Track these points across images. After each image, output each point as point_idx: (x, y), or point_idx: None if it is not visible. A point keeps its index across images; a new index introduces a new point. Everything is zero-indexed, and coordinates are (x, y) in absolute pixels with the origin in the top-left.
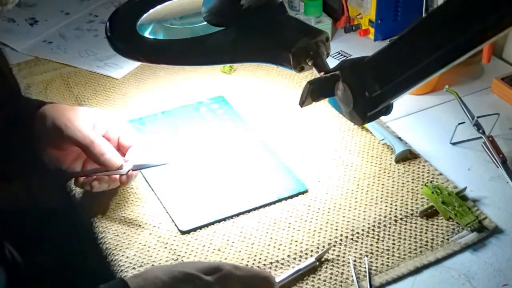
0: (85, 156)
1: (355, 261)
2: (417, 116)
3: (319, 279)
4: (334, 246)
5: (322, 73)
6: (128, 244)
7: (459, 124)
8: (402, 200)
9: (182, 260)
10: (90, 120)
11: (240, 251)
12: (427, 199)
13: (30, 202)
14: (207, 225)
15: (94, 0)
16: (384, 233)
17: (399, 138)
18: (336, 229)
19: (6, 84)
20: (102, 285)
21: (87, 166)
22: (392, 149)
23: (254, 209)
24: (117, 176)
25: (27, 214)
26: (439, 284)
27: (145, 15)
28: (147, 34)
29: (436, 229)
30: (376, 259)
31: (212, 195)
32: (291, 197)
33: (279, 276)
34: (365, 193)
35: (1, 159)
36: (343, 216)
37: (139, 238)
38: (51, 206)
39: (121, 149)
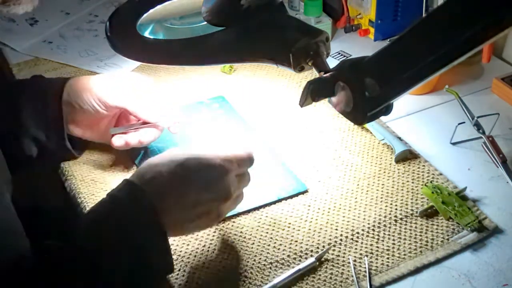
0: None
1: (355, 261)
2: (417, 116)
3: (319, 279)
4: (334, 246)
5: (322, 73)
6: None
7: (459, 124)
8: (402, 200)
9: (182, 260)
10: (129, 85)
11: (240, 251)
12: (427, 199)
13: (30, 202)
14: None
15: (94, 0)
16: (384, 233)
17: (399, 138)
18: (336, 229)
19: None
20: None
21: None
22: (392, 149)
23: (254, 209)
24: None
25: (27, 214)
26: (439, 284)
27: (145, 15)
28: (147, 34)
29: (436, 229)
30: (376, 259)
31: None
32: (291, 197)
33: (279, 276)
34: (365, 193)
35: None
36: (343, 216)
37: None
38: (51, 206)
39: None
